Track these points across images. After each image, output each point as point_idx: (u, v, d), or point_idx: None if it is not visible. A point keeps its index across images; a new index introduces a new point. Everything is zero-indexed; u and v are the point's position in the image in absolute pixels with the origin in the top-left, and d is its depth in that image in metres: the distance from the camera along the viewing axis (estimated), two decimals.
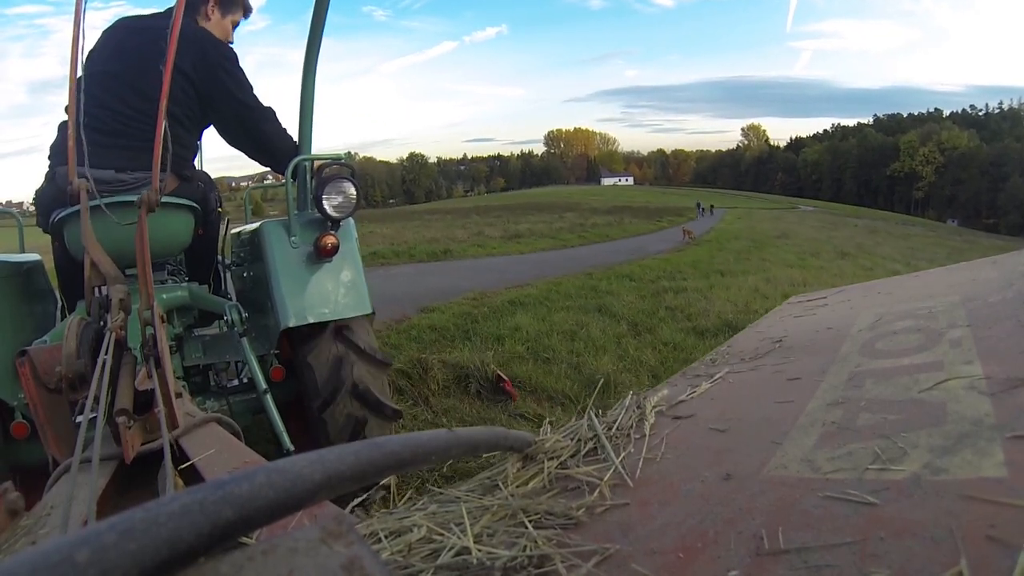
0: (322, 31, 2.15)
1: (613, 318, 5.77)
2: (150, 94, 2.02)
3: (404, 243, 15.08)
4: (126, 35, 2.15)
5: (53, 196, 2.05)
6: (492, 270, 10.09)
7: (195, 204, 2.21)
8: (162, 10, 2.26)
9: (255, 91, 2.26)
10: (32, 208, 2.37)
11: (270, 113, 2.30)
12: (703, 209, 38.57)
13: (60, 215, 1.99)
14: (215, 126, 2.32)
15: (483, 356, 4.33)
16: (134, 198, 1.71)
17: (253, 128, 2.28)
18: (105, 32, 2.16)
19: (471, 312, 5.90)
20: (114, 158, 2.01)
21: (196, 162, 2.41)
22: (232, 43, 2.41)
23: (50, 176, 2.12)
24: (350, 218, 2.24)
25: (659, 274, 9.35)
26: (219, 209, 2.56)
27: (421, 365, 3.97)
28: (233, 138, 2.35)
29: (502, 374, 3.86)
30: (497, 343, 4.73)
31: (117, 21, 2.20)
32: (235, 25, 2.45)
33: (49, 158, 2.14)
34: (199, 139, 2.35)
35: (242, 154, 2.42)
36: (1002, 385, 0.59)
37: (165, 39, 1.92)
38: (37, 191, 2.21)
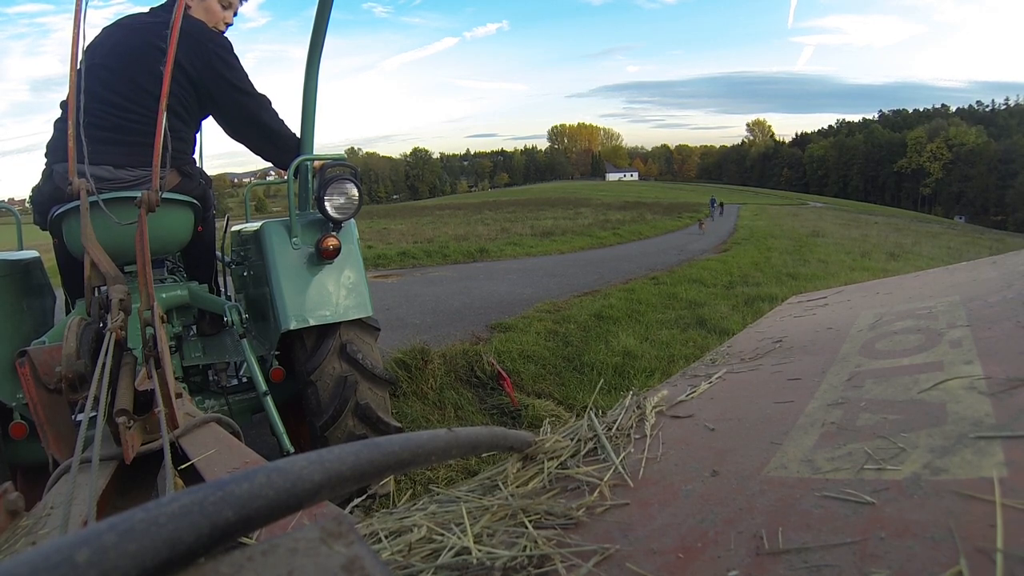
0: (325, 32, 2.14)
1: (726, 336, 4.92)
2: (147, 88, 2.03)
3: (430, 241, 14.74)
4: (124, 33, 2.15)
5: (50, 193, 2.06)
6: (544, 273, 9.63)
7: (195, 201, 2.21)
8: (159, 4, 2.26)
9: (251, 80, 2.26)
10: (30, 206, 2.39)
11: (266, 101, 2.29)
12: (717, 206, 34.82)
13: (58, 211, 1.99)
14: (215, 117, 2.31)
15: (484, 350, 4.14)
16: (134, 195, 1.72)
17: (253, 117, 2.27)
18: (105, 29, 2.17)
19: (557, 331, 5.22)
20: (111, 154, 2.01)
21: (196, 158, 2.42)
22: (231, 25, 2.39)
23: (47, 174, 2.12)
24: (351, 219, 2.23)
25: (729, 278, 8.76)
26: (213, 212, 2.57)
27: (421, 356, 3.84)
28: (234, 129, 2.34)
29: (502, 370, 3.81)
30: (620, 378, 4.01)
31: (117, 20, 2.20)
32: (234, 11, 2.41)
33: (46, 156, 2.15)
34: (197, 131, 2.34)
35: (242, 151, 2.43)
36: (1002, 385, 0.59)
37: (161, 35, 1.92)
38: (34, 189, 2.21)
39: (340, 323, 2.18)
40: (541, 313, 6.02)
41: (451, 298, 7.07)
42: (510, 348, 4.57)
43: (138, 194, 1.55)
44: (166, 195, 1.96)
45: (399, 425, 2.28)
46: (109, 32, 2.15)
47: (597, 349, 4.63)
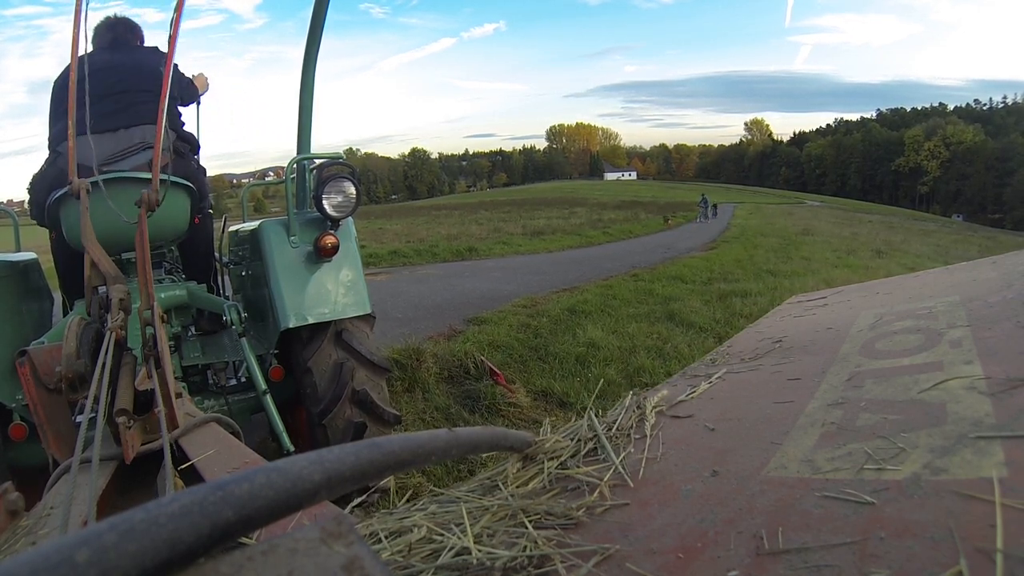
0: (321, 32, 2.15)
1: (692, 329, 5.26)
2: (132, 66, 2.19)
3: (422, 240, 14.84)
4: (99, 55, 2.30)
5: (53, 178, 2.07)
6: (528, 271, 9.75)
7: (190, 184, 2.21)
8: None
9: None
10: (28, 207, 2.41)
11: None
12: (711, 206, 31.26)
13: (57, 195, 1.99)
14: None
15: (469, 348, 4.25)
16: (134, 175, 1.73)
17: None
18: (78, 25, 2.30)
19: (529, 324, 5.39)
20: (107, 121, 2.07)
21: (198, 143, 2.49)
22: None
23: (51, 160, 2.14)
24: (349, 217, 2.23)
25: (709, 275, 8.85)
26: (210, 211, 2.59)
27: (415, 355, 3.95)
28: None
29: (493, 366, 3.84)
30: (580, 366, 4.17)
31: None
32: None
33: (49, 145, 2.17)
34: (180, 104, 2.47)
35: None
36: (1002, 385, 0.59)
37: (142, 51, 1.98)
38: (34, 176, 2.22)
39: None
40: (517, 308, 6.18)
41: (434, 294, 7.25)
42: (481, 339, 4.75)
43: (136, 175, 1.56)
44: (162, 176, 1.98)
45: (397, 412, 2.28)
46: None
47: (563, 340, 4.81)
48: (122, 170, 2.02)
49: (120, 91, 2.14)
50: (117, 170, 2.01)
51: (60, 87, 2.24)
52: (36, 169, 2.26)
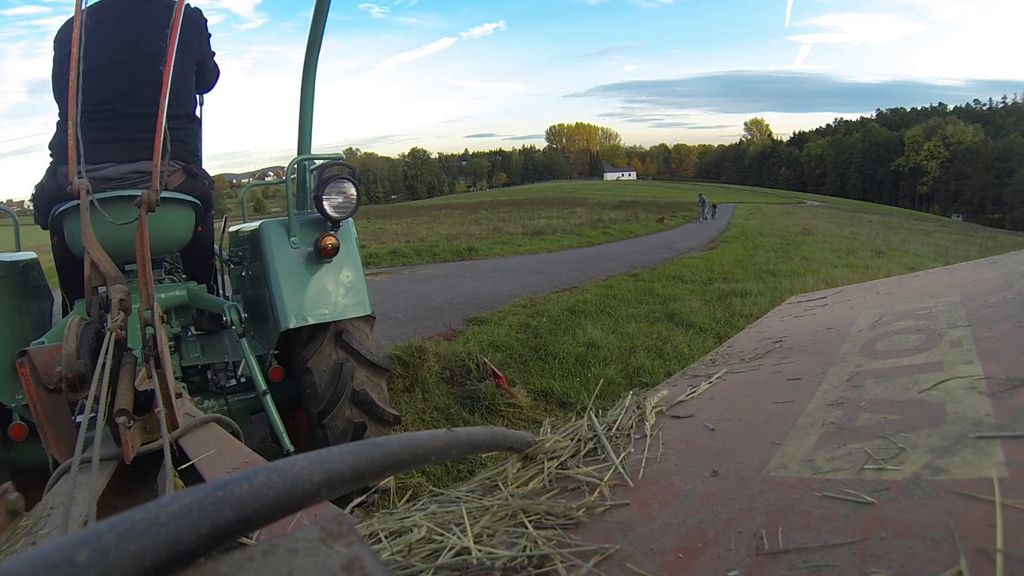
0: (322, 33, 2.15)
1: (691, 329, 5.25)
2: (147, 83, 2.00)
3: (422, 240, 14.86)
4: (105, 24, 2.06)
5: (53, 191, 2.06)
6: (528, 271, 9.76)
7: (197, 201, 2.21)
8: None
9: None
10: (31, 206, 2.39)
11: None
12: (709, 207, 30.59)
13: (60, 209, 1.99)
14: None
15: (471, 349, 4.25)
16: (136, 193, 1.72)
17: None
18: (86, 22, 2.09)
19: (529, 324, 5.39)
20: (114, 152, 2.02)
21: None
22: None
23: (51, 171, 2.12)
24: (350, 218, 2.24)
25: (708, 275, 8.82)
26: (212, 212, 2.58)
27: (418, 353, 3.96)
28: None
29: (496, 369, 3.85)
30: (580, 366, 4.18)
31: (92, 7, 2.10)
32: None
33: (51, 156, 2.15)
34: (200, 123, 2.38)
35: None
36: (1002, 385, 0.59)
37: (150, 15, 1.90)
38: (36, 186, 2.21)
39: None
40: (517, 308, 6.19)
41: (434, 294, 7.26)
42: (481, 339, 4.76)
43: (138, 193, 1.55)
44: (168, 195, 1.96)
45: (397, 412, 2.28)
46: (89, 27, 2.07)
47: (564, 340, 4.80)
48: (130, 184, 2.02)
49: (123, 115, 2.02)
50: (128, 185, 2.00)
51: (62, 41, 2.05)
52: (37, 170, 2.26)
